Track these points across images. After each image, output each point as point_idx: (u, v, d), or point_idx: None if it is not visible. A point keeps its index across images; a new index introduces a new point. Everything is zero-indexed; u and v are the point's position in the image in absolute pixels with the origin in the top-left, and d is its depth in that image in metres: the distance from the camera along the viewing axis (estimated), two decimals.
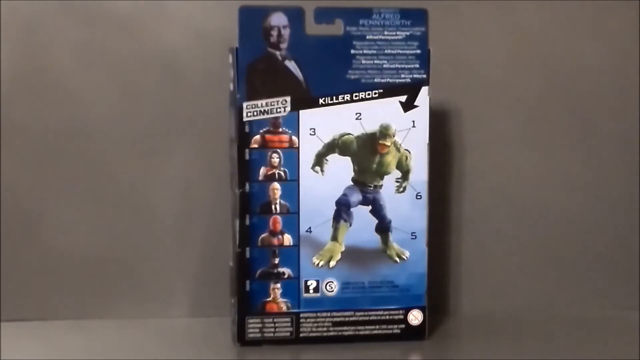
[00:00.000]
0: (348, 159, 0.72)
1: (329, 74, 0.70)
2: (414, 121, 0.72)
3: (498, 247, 0.84)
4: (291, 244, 0.72)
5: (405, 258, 0.73)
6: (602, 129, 0.84)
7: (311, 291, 0.73)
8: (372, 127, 0.71)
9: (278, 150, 0.71)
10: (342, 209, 0.72)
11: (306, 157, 0.71)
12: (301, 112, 0.70)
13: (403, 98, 0.71)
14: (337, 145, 0.71)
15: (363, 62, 0.71)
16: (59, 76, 0.79)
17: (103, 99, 0.80)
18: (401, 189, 0.73)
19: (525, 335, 0.78)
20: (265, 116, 0.70)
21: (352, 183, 0.72)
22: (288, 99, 0.70)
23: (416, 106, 0.72)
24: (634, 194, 0.85)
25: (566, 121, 0.84)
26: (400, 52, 0.71)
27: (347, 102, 0.71)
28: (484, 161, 0.83)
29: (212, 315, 0.80)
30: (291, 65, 0.70)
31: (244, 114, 0.70)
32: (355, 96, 0.71)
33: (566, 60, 0.83)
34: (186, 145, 0.81)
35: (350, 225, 0.72)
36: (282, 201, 0.71)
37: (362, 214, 0.72)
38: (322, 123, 0.71)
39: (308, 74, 0.70)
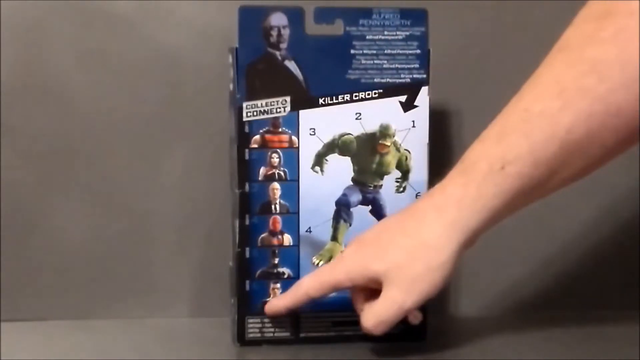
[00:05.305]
0: (348, 159, 0.72)
1: (328, 74, 0.70)
2: (414, 121, 0.72)
3: (498, 247, 0.84)
4: (291, 244, 0.72)
5: None
6: None
7: None
8: (372, 127, 0.71)
9: (278, 150, 0.71)
10: (342, 209, 0.72)
11: (306, 157, 0.71)
12: (301, 112, 0.70)
13: (403, 98, 0.71)
14: (337, 145, 0.71)
15: (363, 62, 0.70)
16: (59, 76, 0.79)
17: (103, 99, 0.79)
18: (401, 189, 0.73)
19: (525, 335, 0.78)
20: (265, 116, 0.70)
21: (352, 183, 0.72)
22: (288, 99, 0.70)
23: (416, 106, 0.72)
24: (634, 194, 0.85)
25: None
26: (400, 52, 0.71)
27: (347, 102, 0.71)
28: None
29: (212, 315, 0.80)
30: (291, 65, 0.70)
31: (244, 114, 0.70)
32: (355, 96, 0.71)
33: None
34: (186, 145, 0.81)
35: (350, 225, 0.72)
36: (282, 201, 0.71)
37: (362, 214, 0.72)
38: (322, 123, 0.71)
39: (308, 74, 0.70)
